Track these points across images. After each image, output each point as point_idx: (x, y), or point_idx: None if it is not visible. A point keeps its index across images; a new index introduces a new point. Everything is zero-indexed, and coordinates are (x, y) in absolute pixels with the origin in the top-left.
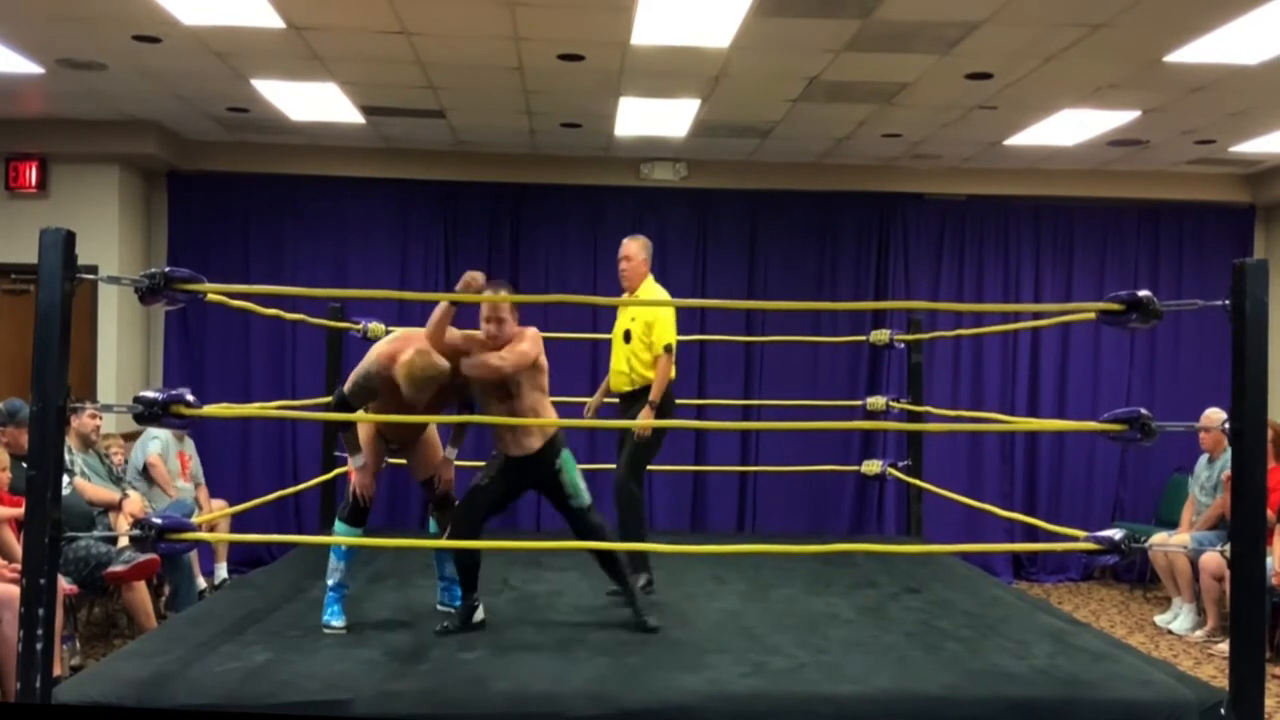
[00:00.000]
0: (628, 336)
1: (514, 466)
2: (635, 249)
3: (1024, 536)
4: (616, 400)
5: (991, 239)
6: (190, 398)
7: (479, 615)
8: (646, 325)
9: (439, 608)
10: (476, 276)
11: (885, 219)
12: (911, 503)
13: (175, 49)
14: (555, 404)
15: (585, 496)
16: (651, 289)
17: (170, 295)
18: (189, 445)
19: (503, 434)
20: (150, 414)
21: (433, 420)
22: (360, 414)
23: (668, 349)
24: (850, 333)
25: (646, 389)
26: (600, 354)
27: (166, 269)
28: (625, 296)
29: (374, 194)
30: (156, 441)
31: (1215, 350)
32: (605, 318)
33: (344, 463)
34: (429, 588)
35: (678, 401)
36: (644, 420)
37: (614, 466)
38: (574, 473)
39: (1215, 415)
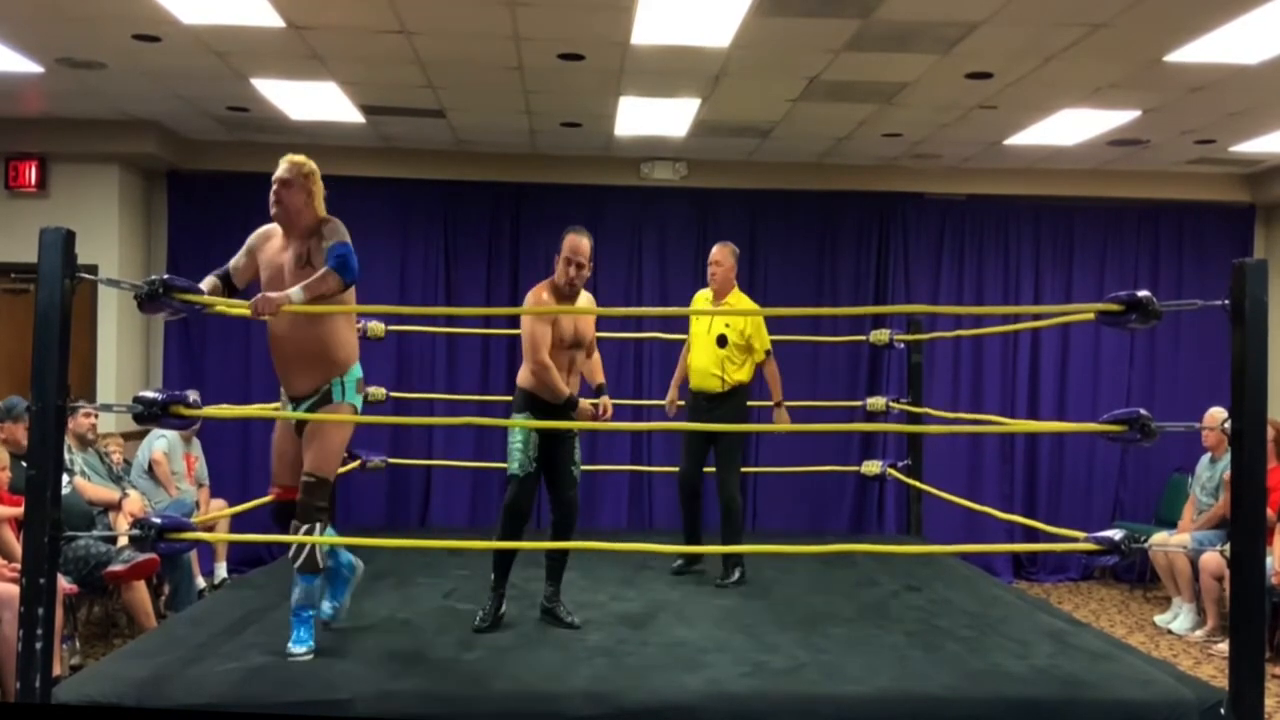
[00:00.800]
0: (723, 341)
1: (546, 416)
2: (724, 256)
3: (1024, 537)
4: (682, 402)
5: (991, 239)
6: (193, 397)
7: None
8: (742, 331)
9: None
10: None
11: (885, 219)
12: (911, 503)
13: (175, 49)
14: None
15: (513, 467)
16: (740, 296)
17: (170, 305)
18: (196, 447)
19: (568, 381)
20: (150, 414)
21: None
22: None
23: (768, 353)
24: (850, 333)
25: (736, 389)
26: (600, 351)
27: (165, 276)
28: (712, 299)
29: (374, 194)
30: (163, 440)
31: (1215, 350)
32: (606, 317)
33: (344, 462)
34: (429, 586)
35: (679, 401)
36: (780, 422)
37: (678, 469)
38: (512, 436)
39: (1218, 415)
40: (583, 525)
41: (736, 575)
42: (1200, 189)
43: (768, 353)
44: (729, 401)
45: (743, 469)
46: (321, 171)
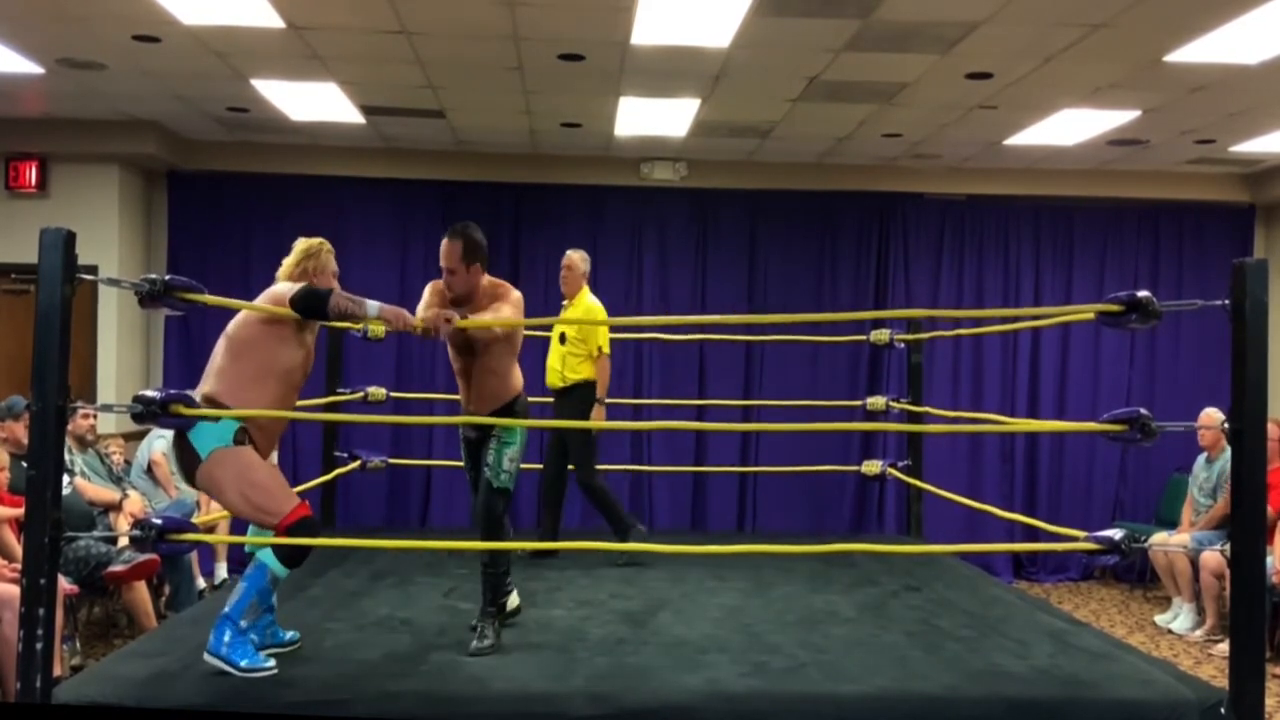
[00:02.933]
0: (563, 339)
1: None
2: (576, 260)
3: (1024, 536)
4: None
5: (991, 239)
6: (192, 395)
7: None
8: (579, 330)
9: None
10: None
11: (885, 219)
12: (911, 502)
13: (175, 49)
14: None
15: (503, 479)
16: (586, 298)
17: (172, 302)
18: None
19: (466, 390)
20: (149, 413)
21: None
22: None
23: (600, 350)
24: (850, 333)
25: (575, 386)
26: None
27: (167, 276)
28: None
29: (374, 194)
30: (162, 440)
31: (1215, 350)
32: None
33: (344, 462)
34: (430, 585)
35: (678, 401)
36: (596, 418)
37: (542, 466)
38: (506, 450)
39: (1213, 415)
40: (583, 524)
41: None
42: (1200, 189)
43: (600, 350)
44: (569, 396)
45: (750, 469)
46: (321, 171)
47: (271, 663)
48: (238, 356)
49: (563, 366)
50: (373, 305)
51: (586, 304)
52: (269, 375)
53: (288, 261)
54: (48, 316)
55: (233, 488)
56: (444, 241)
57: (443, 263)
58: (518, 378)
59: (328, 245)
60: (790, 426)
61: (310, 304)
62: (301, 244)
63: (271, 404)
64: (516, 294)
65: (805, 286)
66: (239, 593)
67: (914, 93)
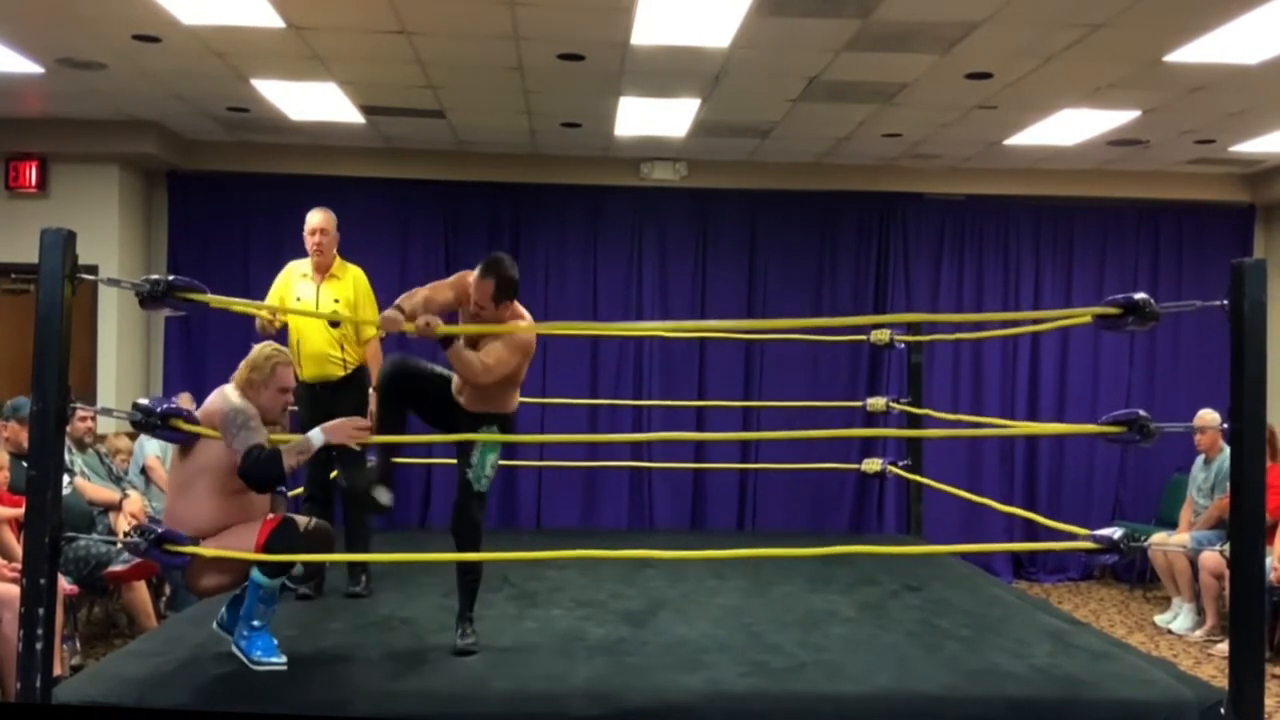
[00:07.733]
0: (336, 322)
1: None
2: (331, 224)
3: (1023, 536)
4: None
5: (991, 239)
6: (184, 404)
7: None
8: (353, 309)
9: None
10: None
11: (885, 219)
12: (911, 502)
13: (175, 49)
14: (557, 404)
15: (484, 484)
16: (344, 267)
17: (173, 303)
18: None
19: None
20: (148, 424)
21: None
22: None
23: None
24: (850, 332)
25: (357, 371)
26: (600, 352)
27: (170, 277)
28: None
29: (374, 194)
30: (154, 443)
31: (1215, 350)
32: (607, 316)
33: None
34: (429, 585)
35: (678, 402)
36: (373, 406)
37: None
38: (489, 456)
39: (1209, 416)
40: (583, 524)
41: (363, 583)
42: (1200, 189)
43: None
44: (351, 385)
45: (750, 465)
46: (321, 171)
47: (283, 659)
48: (173, 469)
49: (343, 353)
50: (316, 435)
51: (355, 272)
52: (200, 478)
53: (240, 368)
54: (48, 316)
55: (213, 576)
56: (475, 277)
57: (474, 296)
58: (512, 400)
59: (281, 358)
60: (789, 434)
61: (265, 475)
62: (254, 352)
63: (213, 506)
64: (521, 336)
65: (805, 286)
66: (245, 603)
67: (914, 93)
